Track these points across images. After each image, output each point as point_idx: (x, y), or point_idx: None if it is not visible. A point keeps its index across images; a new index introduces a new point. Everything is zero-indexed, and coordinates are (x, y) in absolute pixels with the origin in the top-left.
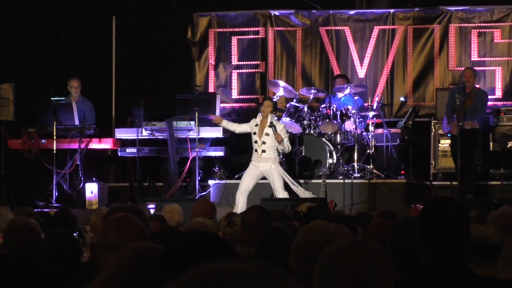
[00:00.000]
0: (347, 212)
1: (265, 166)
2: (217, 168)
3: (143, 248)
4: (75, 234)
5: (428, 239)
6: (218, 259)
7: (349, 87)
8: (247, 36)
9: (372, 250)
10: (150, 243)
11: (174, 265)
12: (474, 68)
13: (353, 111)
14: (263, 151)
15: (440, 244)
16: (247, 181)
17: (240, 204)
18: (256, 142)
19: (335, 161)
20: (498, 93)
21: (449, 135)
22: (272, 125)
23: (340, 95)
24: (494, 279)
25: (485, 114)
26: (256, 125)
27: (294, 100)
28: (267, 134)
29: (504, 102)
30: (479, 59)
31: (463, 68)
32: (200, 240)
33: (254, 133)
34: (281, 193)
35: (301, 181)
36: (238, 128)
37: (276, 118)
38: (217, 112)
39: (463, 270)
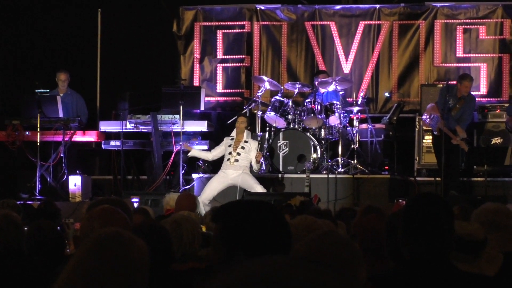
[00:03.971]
0: (331, 207)
1: (235, 174)
2: (201, 162)
3: (111, 234)
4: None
5: (412, 235)
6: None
7: (334, 82)
8: (232, 30)
9: (343, 243)
10: (121, 229)
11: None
12: (460, 65)
13: (338, 106)
14: (236, 160)
15: (424, 240)
16: (212, 188)
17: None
18: (230, 153)
19: (319, 156)
20: (483, 90)
21: (435, 132)
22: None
23: (324, 90)
24: (478, 275)
25: None
26: (232, 139)
27: (279, 95)
28: (243, 148)
29: (488, 99)
30: (464, 55)
31: (448, 64)
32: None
33: (229, 146)
34: (260, 188)
35: (285, 176)
36: (212, 154)
37: (250, 135)
38: (202, 106)
39: (447, 266)
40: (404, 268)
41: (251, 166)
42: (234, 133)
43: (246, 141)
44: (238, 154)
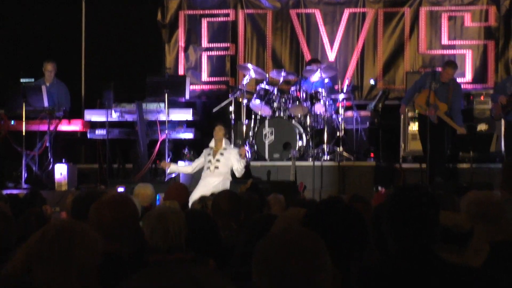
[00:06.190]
0: (317, 195)
1: (217, 181)
2: (186, 150)
3: (64, 226)
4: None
5: (397, 227)
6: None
7: (319, 70)
8: (217, 19)
9: (308, 237)
10: (76, 222)
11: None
12: (445, 52)
13: (323, 94)
14: (216, 167)
15: (409, 232)
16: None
17: None
18: (210, 161)
19: (305, 143)
20: (468, 77)
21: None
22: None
23: (310, 78)
24: (463, 267)
25: None
26: (211, 149)
27: (264, 83)
28: (222, 154)
29: (474, 86)
30: (450, 42)
31: (433, 52)
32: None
33: (209, 154)
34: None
35: (271, 163)
36: (192, 167)
37: (229, 143)
38: (187, 95)
39: (432, 258)
40: (389, 259)
41: (232, 174)
42: (212, 143)
43: (225, 148)
44: (218, 161)
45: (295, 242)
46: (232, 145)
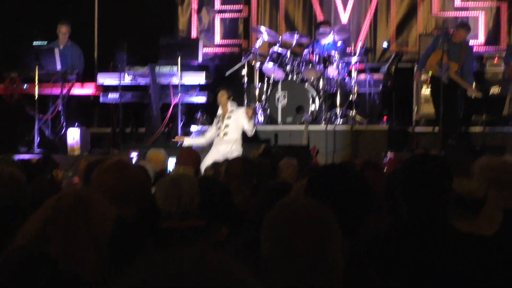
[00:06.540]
0: (329, 159)
1: (227, 148)
2: (199, 114)
3: (81, 194)
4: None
5: (411, 196)
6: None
7: (332, 32)
8: None
9: (316, 208)
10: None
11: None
12: (458, 14)
13: (336, 57)
14: (225, 134)
15: (422, 200)
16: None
17: None
18: (219, 128)
19: (317, 107)
20: (481, 39)
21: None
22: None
23: (323, 41)
24: (476, 236)
25: None
26: (219, 115)
27: (277, 45)
28: (229, 118)
29: (486, 48)
30: (462, 4)
31: (446, 13)
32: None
33: (218, 122)
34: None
35: (284, 127)
36: (206, 137)
37: (235, 104)
38: (200, 58)
39: (445, 227)
40: (402, 226)
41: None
42: (220, 110)
43: (231, 111)
44: (226, 126)
45: (304, 212)
46: (244, 107)
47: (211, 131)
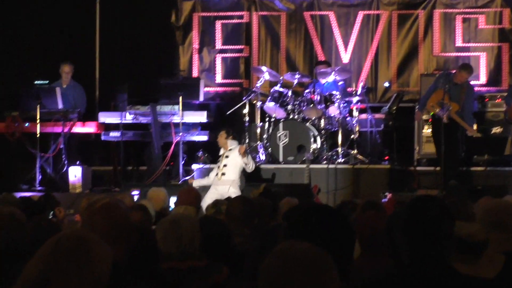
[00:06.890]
0: (331, 197)
1: (224, 189)
2: (201, 152)
3: (81, 236)
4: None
5: (412, 239)
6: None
7: (333, 72)
8: (231, 21)
9: (314, 253)
10: (87, 232)
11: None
12: (459, 54)
13: (338, 96)
14: (223, 173)
15: (423, 244)
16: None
17: None
18: (218, 167)
19: (319, 146)
20: (483, 79)
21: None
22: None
23: (324, 80)
24: (477, 279)
25: None
26: (220, 155)
27: (278, 85)
28: (227, 157)
29: (488, 88)
30: (464, 44)
31: (447, 54)
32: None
33: (219, 161)
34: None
35: (285, 166)
36: (210, 179)
37: (236, 142)
38: (201, 97)
39: (447, 270)
40: (403, 270)
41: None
42: (221, 151)
43: (230, 149)
44: (225, 165)
45: (301, 258)
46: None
47: (215, 171)
